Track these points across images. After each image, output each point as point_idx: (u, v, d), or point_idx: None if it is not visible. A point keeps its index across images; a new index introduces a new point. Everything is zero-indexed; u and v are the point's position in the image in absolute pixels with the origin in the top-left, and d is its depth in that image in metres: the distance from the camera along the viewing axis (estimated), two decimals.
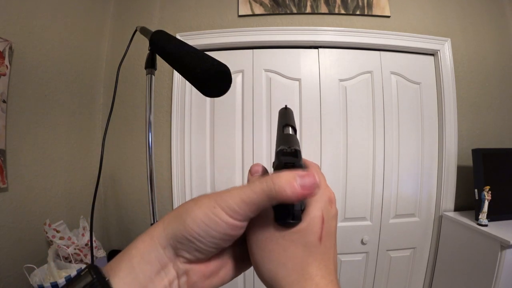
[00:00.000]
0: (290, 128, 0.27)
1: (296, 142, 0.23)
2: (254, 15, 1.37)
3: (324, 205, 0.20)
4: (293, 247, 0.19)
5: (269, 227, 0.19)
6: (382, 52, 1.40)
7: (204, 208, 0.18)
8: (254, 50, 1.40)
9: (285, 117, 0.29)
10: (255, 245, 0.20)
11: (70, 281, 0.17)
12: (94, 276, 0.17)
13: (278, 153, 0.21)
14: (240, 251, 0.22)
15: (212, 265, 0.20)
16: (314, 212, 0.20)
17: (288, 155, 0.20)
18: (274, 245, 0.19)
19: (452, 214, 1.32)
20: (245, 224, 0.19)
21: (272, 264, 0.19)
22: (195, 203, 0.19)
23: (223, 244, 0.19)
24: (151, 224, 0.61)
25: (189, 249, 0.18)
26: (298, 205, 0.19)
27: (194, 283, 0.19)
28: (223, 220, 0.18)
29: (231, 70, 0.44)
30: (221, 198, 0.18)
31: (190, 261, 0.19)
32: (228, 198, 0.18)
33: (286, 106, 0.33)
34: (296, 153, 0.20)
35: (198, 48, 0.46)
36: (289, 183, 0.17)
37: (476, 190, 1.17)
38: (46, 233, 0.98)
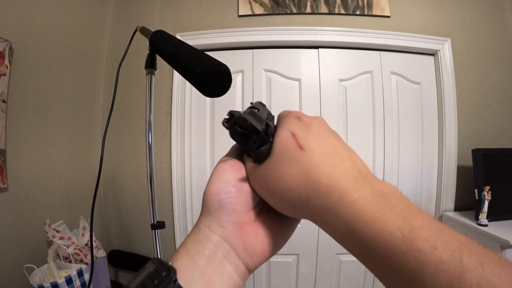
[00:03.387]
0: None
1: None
2: (254, 15, 1.37)
3: (291, 124, 0.21)
4: (283, 170, 0.19)
5: (258, 171, 0.21)
6: (382, 52, 1.40)
7: (212, 175, 0.22)
8: (254, 50, 1.40)
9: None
10: (262, 192, 0.21)
11: (137, 273, 0.19)
12: (158, 264, 0.19)
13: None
14: (279, 215, 0.22)
15: (254, 226, 0.21)
16: (280, 133, 0.20)
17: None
18: (270, 181, 0.20)
19: (452, 214, 1.32)
20: (240, 161, 0.23)
21: (281, 196, 0.19)
22: (208, 182, 0.22)
23: (245, 188, 0.21)
24: (151, 224, 0.61)
25: (226, 211, 0.20)
26: (262, 137, 0.21)
27: (246, 248, 0.20)
28: (222, 165, 0.22)
29: (231, 70, 0.44)
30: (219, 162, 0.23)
31: (234, 225, 0.20)
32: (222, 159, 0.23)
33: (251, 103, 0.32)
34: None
35: (198, 48, 0.46)
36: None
37: (476, 190, 1.17)
38: (46, 233, 0.98)
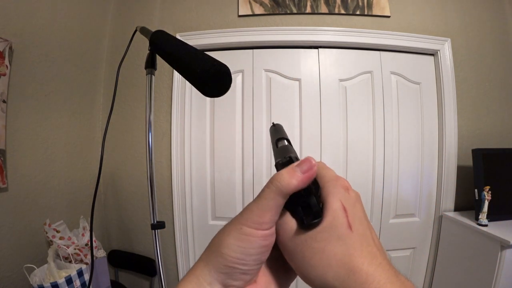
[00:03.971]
0: (285, 141, 0.28)
1: (290, 150, 0.24)
2: (254, 15, 1.37)
3: (341, 194, 0.20)
4: (329, 245, 0.19)
5: (299, 236, 0.20)
6: (382, 52, 1.40)
7: (233, 233, 0.19)
8: (254, 50, 1.40)
9: (276, 133, 0.31)
10: (295, 257, 0.20)
11: None
12: None
13: (276, 166, 0.22)
14: (281, 264, 0.22)
15: (260, 285, 0.21)
16: (332, 204, 0.20)
17: (285, 164, 0.21)
18: (311, 250, 0.19)
19: (452, 214, 1.32)
20: (273, 229, 0.20)
21: (318, 270, 0.19)
22: (223, 233, 0.20)
23: (263, 258, 0.20)
24: (151, 224, 0.61)
25: (235, 276, 0.19)
26: (316, 204, 0.20)
27: None
28: (253, 235, 0.19)
29: (231, 70, 0.44)
30: (242, 217, 0.20)
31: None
32: (248, 214, 0.19)
33: (273, 123, 0.34)
34: (291, 160, 0.22)
35: (198, 48, 0.46)
36: (290, 173, 0.19)
37: (476, 190, 1.17)
38: (46, 233, 0.98)
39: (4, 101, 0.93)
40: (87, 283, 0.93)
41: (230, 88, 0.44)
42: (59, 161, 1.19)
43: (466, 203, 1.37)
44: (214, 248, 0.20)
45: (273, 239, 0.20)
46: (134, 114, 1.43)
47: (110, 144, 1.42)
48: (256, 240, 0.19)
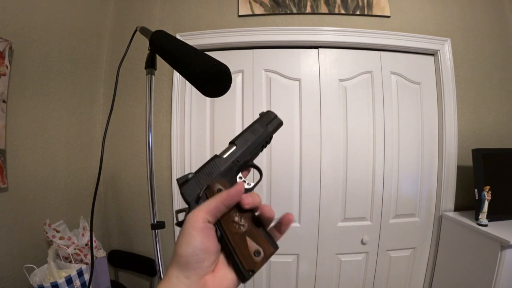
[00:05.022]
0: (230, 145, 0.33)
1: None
2: (254, 15, 1.37)
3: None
4: None
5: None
6: (382, 52, 1.40)
7: (181, 234, 0.26)
8: (254, 50, 1.40)
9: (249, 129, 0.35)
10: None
11: None
12: None
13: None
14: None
15: (218, 274, 0.26)
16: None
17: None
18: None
19: (452, 214, 1.32)
20: (208, 225, 0.27)
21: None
22: (178, 236, 0.26)
23: (208, 246, 0.26)
24: (151, 224, 0.61)
25: (192, 266, 0.25)
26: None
27: None
28: (195, 230, 0.26)
29: (231, 70, 0.44)
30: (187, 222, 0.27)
31: (198, 277, 0.25)
32: (191, 217, 0.27)
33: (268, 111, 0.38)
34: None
35: (198, 48, 0.46)
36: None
37: (476, 190, 1.17)
38: (46, 233, 0.98)
39: (4, 101, 0.93)
40: (87, 283, 0.94)
41: (230, 88, 0.44)
42: (59, 161, 1.19)
43: (466, 203, 1.37)
44: (174, 250, 0.26)
45: (210, 231, 0.26)
46: (134, 114, 1.43)
47: (110, 144, 1.42)
48: (195, 233, 0.25)
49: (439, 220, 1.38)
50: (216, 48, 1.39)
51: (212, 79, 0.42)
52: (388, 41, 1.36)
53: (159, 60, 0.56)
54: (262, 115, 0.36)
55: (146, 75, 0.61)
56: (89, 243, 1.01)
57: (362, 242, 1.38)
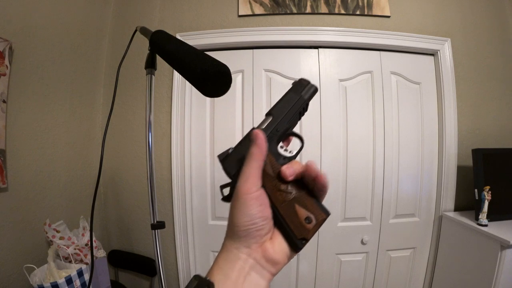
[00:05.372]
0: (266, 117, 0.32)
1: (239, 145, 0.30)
2: (254, 15, 1.37)
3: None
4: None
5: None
6: (382, 52, 1.40)
7: (234, 206, 0.26)
8: (254, 50, 1.40)
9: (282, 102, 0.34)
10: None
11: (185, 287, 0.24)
12: (199, 280, 0.24)
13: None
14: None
15: (277, 240, 0.26)
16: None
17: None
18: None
19: (452, 214, 1.32)
20: (261, 191, 0.26)
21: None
22: (230, 209, 0.27)
23: (264, 214, 0.26)
24: (151, 224, 0.62)
25: (252, 235, 0.25)
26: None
27: (267, 260, 0.26)
28: (248, 200, 0.25)
29: (231, 70, 0.44)
30: (236, 192, 0.27)
31: (258, 245, 0.25)
32: (239, 187, 0.27)
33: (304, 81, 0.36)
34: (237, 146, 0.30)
35: (198, 48, 0.46)
36: (253, 148, 0.28)
37: (476, 190, 1.17)
38: (46, 233, 0.98)
39: (4, 101, 0.93)
40: (87, 283, 0.94)
41: (230, 88, 0.44)
42: (59, 161, 1.19)
43: (466, 203, 1.37)
44: (229, 223, 0.26)
45: (264, 198, 0.26)
46: (134, 114, 1.43)
47: (110, 144, 1.42)
48: (252, 202, 0.25)
49: (439, 220, 1.38)
50: (216, 48, 1.39)
51: (212, 79, 0.42)
52: (388, 41, 1.36)
53: (159, 60, 0.56)
54: (295, 84, 0.34)
55: (146, 75, 0.61)
56: (89, 243, 1.01)
57: (362, 242, 1.38)
